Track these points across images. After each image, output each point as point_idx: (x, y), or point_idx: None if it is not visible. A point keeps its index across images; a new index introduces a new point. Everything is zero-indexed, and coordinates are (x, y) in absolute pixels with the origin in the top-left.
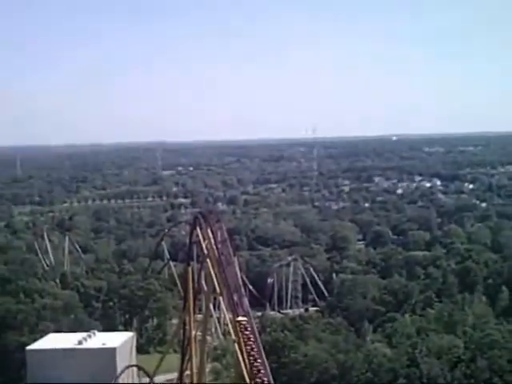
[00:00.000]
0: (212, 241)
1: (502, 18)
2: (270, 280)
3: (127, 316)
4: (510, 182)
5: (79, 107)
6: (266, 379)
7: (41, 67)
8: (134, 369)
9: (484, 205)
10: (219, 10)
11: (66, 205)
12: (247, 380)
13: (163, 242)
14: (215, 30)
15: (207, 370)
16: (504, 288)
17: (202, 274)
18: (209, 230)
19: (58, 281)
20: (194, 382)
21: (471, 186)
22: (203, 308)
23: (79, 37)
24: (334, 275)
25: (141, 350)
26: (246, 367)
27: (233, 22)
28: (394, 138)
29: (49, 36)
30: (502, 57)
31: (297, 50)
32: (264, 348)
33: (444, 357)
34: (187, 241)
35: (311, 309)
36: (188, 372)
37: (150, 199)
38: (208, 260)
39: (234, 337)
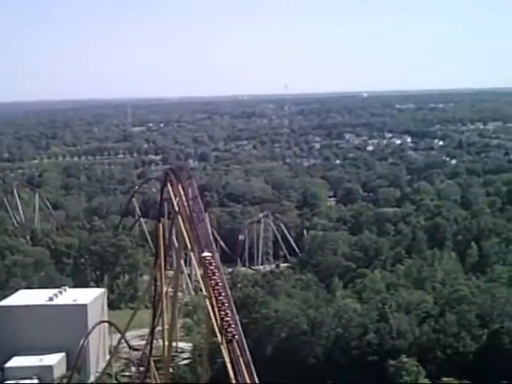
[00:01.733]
0: (183, 197)
1: None
2: (241, 236)
3: (98, 272)
4: (479, 138)
5: (49, 62)
6: (236, 334)
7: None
8: (106, 325)
9: (454, 162)
10: None
11: (35, 161)
12: (218, 335)
13: (134, 199)
14: None
15: (178, 325)
16: (473, 244)
17: (173, 230)
18: (180, 187)
19: (28, 237)
20: (166, 337)
21: (441, 143)
22: (174, 264)
23: None
24: (304, 232)
25: (112, 306)
26: (216, 323)
27: None
28: (365, 95)
29: None
30: (475, 15)
31: (265, 5)
32: (235, 304)
33: (413, 312)
34: (158, 197)
35: (282, 265)
36: (159, 328)
37: (120, 156)
38: (179, 216)
39: (204, 292)
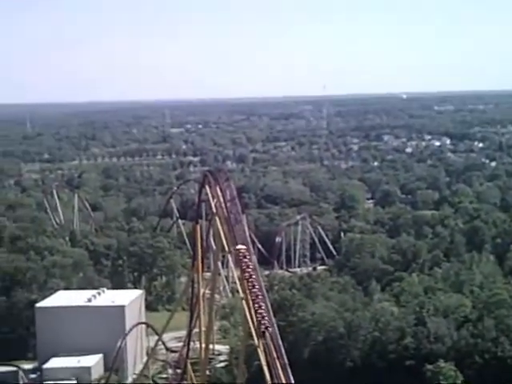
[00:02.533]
0: (221, 199)
1: None
2: (278, 238)
3: (136, 274)
4: None
5: (89, 64)
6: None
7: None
8: (143, 326)
9: (493, 164)
10: None
11: (75, 162)
12: (255, 338)
13: (172, 200)
14: None
15: (215, 327)
16: None
17: (211, 232)
18: (218, 189)
19: (67, 238)
20: (203, 339)
21: (481, 145)
22: (211, 266)
23: None
24: (342, 234)
25: (149, 307)
26: (253, 325)
27: None
28: (404, 96)
29: None
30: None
31: (303, 6)
32: (272, 306)
33: (451, 316)
34: (196, 199)
35: (319, 267)
36: (196, 330)
37: (159, 157)
38: (217, 218)
39: (241, 295)
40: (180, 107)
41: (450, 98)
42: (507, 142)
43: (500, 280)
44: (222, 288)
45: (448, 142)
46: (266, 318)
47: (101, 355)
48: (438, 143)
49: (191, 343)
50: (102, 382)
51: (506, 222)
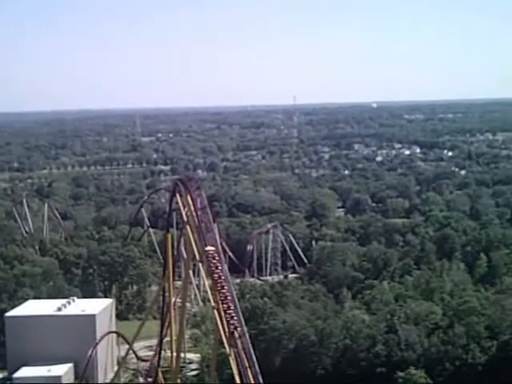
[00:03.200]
0: (192, 208)
1: None
2: (249, 247)
3: (107, 283)
4: (488, 149)
5: (59, 73)
6: (245, 345)
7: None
8: (114, 335)
9: (463, 172)
10: None
11: (45, 171)
12: (226, 346)
13: (143, 209)
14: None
15: (186, 336)
16: (482, 255)
17: (182, 240)
18: (188, 197)
19: (37, 248)
20: (174, 348)
21: (450, 154)
22: (182, 275)
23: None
24: (313, 242)
25: (120, 316)
26: (224, 333)
27: None
28: (374, 105)
29: None
30: (484, 25)
31: (275, 18)
32: (243, 315)
33: (422, 323)
34: (167, 208)
35: (290, 276)
36: (167, 338)
37: (129, 166)
38: (188, 227)
39: (213, 303)
40: (151, 116)
41: (420, 107)
42: (476, 150)
43: (470, 287)
44: (193, 296)
45: (418, 150)
46: (237, 323)
47: (71, 364)
48: (408, 152)
49: (162, 352)
50: None
51: (476, 230)
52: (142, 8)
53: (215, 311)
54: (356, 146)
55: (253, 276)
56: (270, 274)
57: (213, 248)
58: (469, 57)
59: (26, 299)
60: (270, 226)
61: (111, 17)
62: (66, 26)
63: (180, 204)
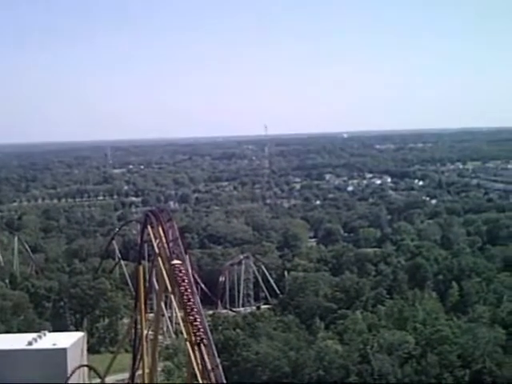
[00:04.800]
0: (163, 239)
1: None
2: (221, 278)
3: (78, 316)
4: (459, 178)
5: (28, 104)
6: (218, 377)
7: None
8: (85, 369)
9: (434, 201)
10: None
11: (15, 204)
12: (199, 378)
13: (114, 241)
14: (166, 28)
15: (159, 369)
16: (454, 284)
17: (154, 272)
18: (160, 229)
19: (7, 281)
20: (146, 381)
21: (421, 183)
22: (155, 307)
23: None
24: (285, 273)
25: (92, 349)
26: (197, 366)
27: (179, 24)
28: (345, 136)
29: None
30: (449, 55)
31: (245, 48)
32: (216, 346)
33: (395, 353)
34: (138, 239)
35: (263, 307)
36: (140, 371)
37: (100, 198)
38: (159, 259)
39: (185, 335)
40: (121, 148)
41: (390, 137)
42: (447, 179)
43: (442, 316)
44: (165, 329)
45: (389, 180)
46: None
47: None
48: (379, 181)
49: None
50: None
51: (447, 259)
52: (102, 38)
53: (188, 343)
54: (327, 176)
55: (225, 307)
56: (243, 306)
57: (179, 262)
58: (439, 87)
59: None
60: (242, 257)
61: (83, 47)
62: (25, 48)
63: (151, 236)
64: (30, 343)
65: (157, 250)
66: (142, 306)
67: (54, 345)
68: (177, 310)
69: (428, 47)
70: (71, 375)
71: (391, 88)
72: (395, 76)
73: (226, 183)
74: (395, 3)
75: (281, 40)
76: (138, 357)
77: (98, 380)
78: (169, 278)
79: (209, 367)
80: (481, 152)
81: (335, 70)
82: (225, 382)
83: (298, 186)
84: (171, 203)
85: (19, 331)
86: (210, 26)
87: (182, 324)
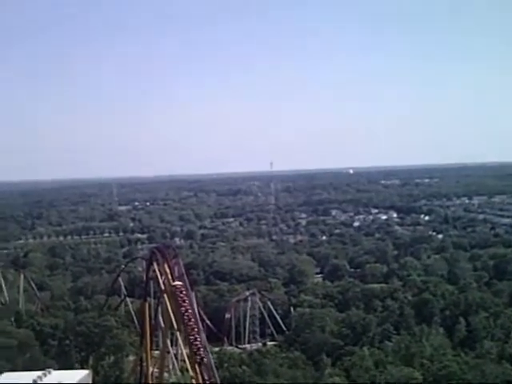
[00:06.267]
0: (169, 276)
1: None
2: (227, 315)
3: (83, 353)
4: (465, 213)
5: (34, 142)
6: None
7: None
8: None
9: (440, 236)
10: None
11: (20, 241)
12: None
13: (120, 278)
14: (162, 63)
15: None
16: (461, 319)
17: (159, 309)
18: (166, 266)
19: (12, 319)
20: None
21: (427, 218)
22: (160, 344)
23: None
24: (291, 309)
25: None
26: None
27: (183, 57)
28: (351, 171)
29: None
30: (458, 92)
31: (251, 82)
32: None
33: None
34: (144, 276)
35: (269, 343)
36: None
37: (106, 235)
38: (165, 296)
39: (191, 373)
40: (127, 185)
41: (396, 173)
42: (453, 214)
43: (450, 352)
44: (170, 366)
45: (395, 215)
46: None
47: None
48: (385, 217)
49: None
50: None
51: (454, 294)
52: (99, 78)
53: (193, 381)
54: (333, 212)
55: (231, 344)
56: (249, 342)
57: (180, 283)
58: (444, 123)
59: (2, 372)
60: (247, 293)
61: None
62: (41, 94)
63: (157, 272)
64: (35, 381)
65: (162, 287)
66: (148, 344)
67: (60, 382)
68: (182, 347)
69: (432, 81)
70: None
71: (395, 124)
72: (398, 112)
73: (231, 219)
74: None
75: (288, 75)
76: None
77: None
78: (174, 315)
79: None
80: (486, 187)
81: (338, 107)
82: None
83: (303, 222)
84: (177, 240)
85: (25, 369)
86: (217, 57)
87: (187, 361)
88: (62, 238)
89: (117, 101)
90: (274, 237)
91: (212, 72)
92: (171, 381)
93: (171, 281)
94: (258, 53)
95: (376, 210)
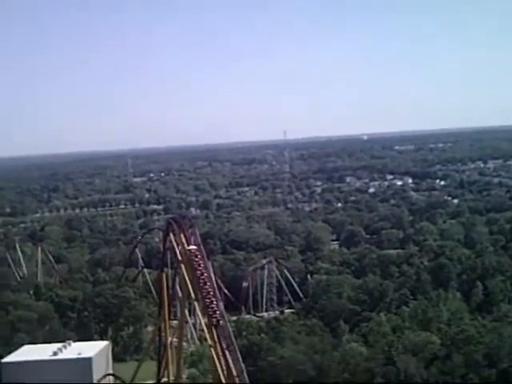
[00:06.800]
0: (186, 246)
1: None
2: (244, 283)
3: (102, 325)
4: (480, 177)
5: (49, 116)
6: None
7: None
8: (111, 378)
9: (456, 201)
10: (188, 12)
11: (37, 215)
12: None
13: (137, 250)
14: (184, 35)
15: (184, 376)
16: (478, 283)
17: (177, 280)
18: (182, 236)
19: (31, 292)
20: None
21: (442, 183)
22: (178, 314)
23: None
24: (308, 276)
25: (117, 358)
26: (223, 372)
27: (200, 31)
28: (365, 138)
29: None
30: (471, 55)
31: (262, 54)
32: (241, 352)
33: (420, 354)
34: (161, 247)
35: (287, 311)
36: (165, 379)
37: (122, 207)
38: (182, 266)
39: (210, 342)
40: (141, 156)
41: (410, 138)
42: (468, 179)
43: (467, 316)
44: (189, 336)
45: (410, 181)
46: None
47: None
48: (400, 183)
49: None
50: None
51: (471, 258)
52: (123, 48)
53: (212, 350)
54: (348, 179)
55: (249, 313)
56: (266, 310)
57: (194, 246)
58: (457, 86)
59: (22, 344)
60: (264, 261)
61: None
62: (60, 68)
63: (174, 243)
64: (55, 353)
65: (179, 257)
66: (166, 314)
67: (79, 354)
68: (200, 316)
69: (447, 47)
70: None
71: (408, 89)
72: (412, 77)
73: (246, 188)
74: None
75: (298, 45)
76: (163, 364)
77: None
78: (192, 285)
79: (234, 373)
80: (501, 150)
81: (352, 73)
82: None
83: (318, 190)
84: (192, 210)
85: (44, 342)
86: (229, 31)
87: (206, 330)
88: (78, 211)
89: (131, 69)
90: (290, 205)
91: (228, 38)
92: (190, 350)
93: (187, 248)
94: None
95: (391, 176)
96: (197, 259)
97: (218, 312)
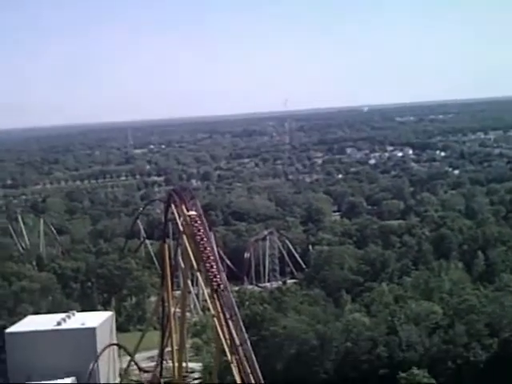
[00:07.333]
0: (187, 217)
1: None
2: (246, 254)
3: (105, 295)
4: (481, 148)
5: (50, 87)
6: (246, 353)
7: None
8: (115, 347)
9: (456, 172)
10: None
11: (38, 187)
12: (228, 354)
13: (138, 221)
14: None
15: (187, 345)
16: (479, 253)
17: (179, 250)
18: (183, 207)
19: (34, 263)
20: (175, 358)
21: (443, 154)
22: (181, 284)
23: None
24: (310, 247)
25: (120, 328)
26: (225, 341)
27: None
28: (366, 109)
29: None
30: (472, 24)
31: (265, 24)
32: (243, 322)
33: (422, 323)
34: (162, 218)
35: (289, 281)
36: (168, 348)
37: (123, 178)
38: (184, 236)
39: (212, 312)
40: (141, 128)
41: (410, 109)
42: (469, 150)
43: (469, 286)
44: (192, 306)
45: (410, 152)
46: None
47: (73, 378)
48: (400, 154)
49: (164, 362)
50: None
51: (472, 229)
52: (129, 23)
53: (215, 319)
54: (348, 150)
55: (251, 283)
56: (269, 281)
57: (194, 212)
58: (458, 57)
59: (26, 315)
60: (266, 232)
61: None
62: (60, 44)
63: (175, 214)
64: (59, 324)
65: (181, 228)
66: (169, 284)
67: (83, 324)
68: (203, 286)
69: (449, 18)
70: (101, 354)
71: (409, 60)
72: (413, 48)
73: (247, 160)
74: None
75: (298, 15)
76: (167, 334)
77: (128, 358)
78: (194, 256)
79: (237, 342)
80: (502, 121)
81: (353, 44)
82: (253, 356)
83: (319, 161)
84: (193, 181)
85: (48, 312)
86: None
87: (208, 300)
88: (79, 183)
89: (133, 41)
90: (290, 176)
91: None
92: (193, 320)
93: (187, 214)
94: None
95: (391, 148)
96: (196, 224)
97: (218, 277)
